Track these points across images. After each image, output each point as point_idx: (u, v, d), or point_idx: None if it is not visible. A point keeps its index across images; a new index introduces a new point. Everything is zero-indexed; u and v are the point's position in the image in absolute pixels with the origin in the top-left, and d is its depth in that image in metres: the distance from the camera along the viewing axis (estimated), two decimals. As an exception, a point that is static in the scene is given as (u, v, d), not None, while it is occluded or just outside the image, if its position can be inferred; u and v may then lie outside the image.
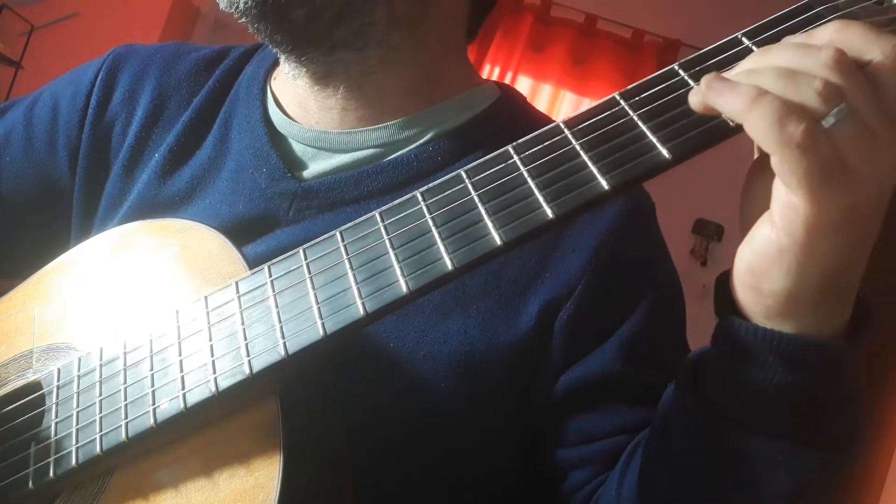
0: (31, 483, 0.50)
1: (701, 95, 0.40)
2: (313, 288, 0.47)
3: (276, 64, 0.71)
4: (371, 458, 0.53)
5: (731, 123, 0.40)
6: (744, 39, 0.43)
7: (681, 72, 0.43)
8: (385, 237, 0.46)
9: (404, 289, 0.44)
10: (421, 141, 0.64)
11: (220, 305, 0.49)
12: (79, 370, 0.52)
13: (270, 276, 0.49)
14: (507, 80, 3.35)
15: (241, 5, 0.58)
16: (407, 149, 0.64)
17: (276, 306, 0.47)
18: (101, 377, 0.51)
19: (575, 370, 0.59)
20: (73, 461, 0.49)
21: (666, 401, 0.51)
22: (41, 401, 0.53)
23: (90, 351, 0.53)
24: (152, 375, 0.49)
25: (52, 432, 0.51)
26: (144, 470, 0.49)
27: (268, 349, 0.46)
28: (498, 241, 0.43)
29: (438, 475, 0.60)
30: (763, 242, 0.40)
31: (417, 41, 0.64)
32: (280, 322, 0.47)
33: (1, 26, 3.11)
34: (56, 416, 0.51)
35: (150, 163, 0.69)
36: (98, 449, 0.49)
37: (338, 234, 0.48)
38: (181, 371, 0.48)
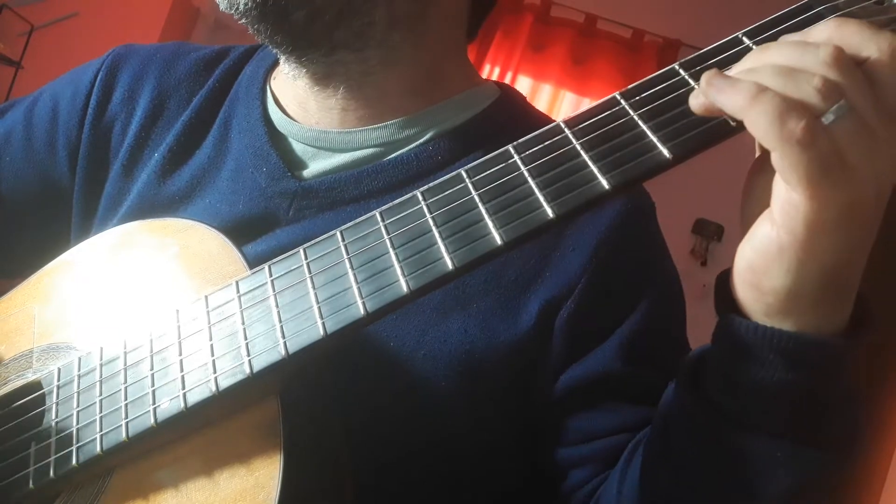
0: (31, 483, 0.50)
1: (701, 94, 0.40)
2: (313, 287, 0.47)
3: (275, 63, 0.71)
4: (371, 457, 0.53)
5: (731, 123, 0.41)
6: (744, 39, 0.44)
7: (681, 71, 0.44)
8: (385, 236, 0.46)
9: (405, 288, 0.44)
10: (421, 140, 0.64)
11: (220, 305, 0.49)
12: (79, 370, 0.52)
13: (271, 275, 0.49)
14: (507, 80, 3.35)
15: (241, 6, 0.58)
16: (407, 148, 0.64)
17: (277, 306, 0.47)
18: (101, 377, 0.51)
19: (575, 369, 0.59)
20: (74, 461, 0.49)
21: (666, 400, 0.51)
22: (41, 400, 0.53)
23: (90, 350, 0.53)
24: (152, 375, 0.49)
25: (53, 432, 0.51)
26: (145, 469, 0.49)
27: (268, 349, 0.46)
28: (498, 240, 0.43)
29: (438, 474, 0.60)
30: (763, 240, 0.40)
31: (417, 41, 0.64)
32: (280, 321, 0.47)
33: (1, 26, 3.11)
34: (56, 416, 0.51)
35: (150, 162, 0.69)
36: (98, 448, 0.49)
37: (338, 234, 0.48)
38: (181, 370, 0.48)
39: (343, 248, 0.47)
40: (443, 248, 0.44)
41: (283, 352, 0.46)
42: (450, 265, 0.43)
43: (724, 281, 0.45)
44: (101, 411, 0.50)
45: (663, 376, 0.53)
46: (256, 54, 0.74)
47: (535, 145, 0.45)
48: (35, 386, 0.54)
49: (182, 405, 0.47)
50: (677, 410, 0.49)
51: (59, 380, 0.53)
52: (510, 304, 0.59)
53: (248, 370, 0.46)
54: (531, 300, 0.59)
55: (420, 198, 0.46)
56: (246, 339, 0.47)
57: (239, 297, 0.49)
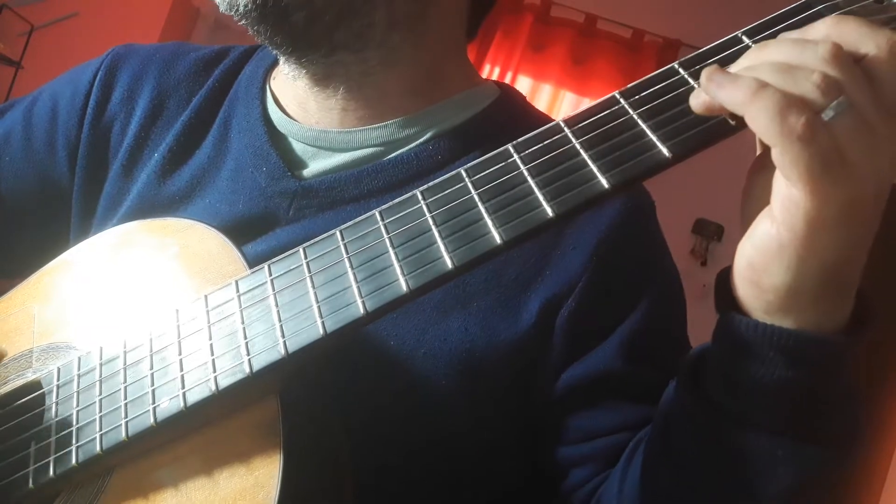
0: (31, 482, 0.50)
1: (702, 91, 0.40)
2: (313, 287, 0.47)
3: (275, 63, 0.71)
4: (371, 456, 0.53)
5: (730, 122, 0.41)
6: (744, 38, 0.44)
7: (681, 70, 0.44)
8: (385, 236, 0.46)
9: (404, 287, 0.44)
10: (421, 140, 0.64)
11: (219, 304, 0.49)
12: (79, 369, 0.52)
13: (270, 275, 0.49)
14: (507, 80, 3.35)
15: (241, 8, 0.58)
16: (407, 148, 0.64)
17: (276, 305, 0.47)
18: (100, 376, 0.51)
19: (576, 368, 0.59)
20: (73, 460, 0.49)
21: (667, 399, 0.51)
22: (41, 400, 0.53)
23: (90, 350, 0.53)
24: (152, 374, 0.49)
25: (52, 431, 0.51)
26: (144, 469, 0.49)
27: (268, 348, 0.46)
28: (498, 239, 0.43)
29: (439, 474, 0.60)
30: (763, 237, 0.40)
31: (417, 41, 0.64)
32: (280, 321, 0.47)
33: (1, 26, 3.11)
34: (56, 416, 0.51)
35: (150, 162, 0.69)
36: (98, 448, 0.49)
37: (337, 233, 0.48)
38: (181, 370, 0.48)
39: (342, 248, 0.47)
40: (442, 248, 0.44)
41: (282, 351, 0.46)
42: (449, 264, 0.43)
43: (724, 279, 0.45)
44: (100, 411, 0.50)
45: (664, 375, 0.53)
46: (256, 54, 0.74)
47: (535, 144, 0.45)
48: (35, 385, 0.54)
49: (182, 404, 0.47)
50: (677, 409, 0.49)
51: (58, 379, 0.53)
52: (511, 302, 0.59)
53: (247, 369, 0.46)
54: (532, 299, 0.59)
55: (420, 197, 0.46)
56: (245, 338, 0.47)
57: (238, 296, 0.49)
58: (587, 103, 0.50)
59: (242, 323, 0.48)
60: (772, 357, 0.42)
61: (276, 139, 0.66)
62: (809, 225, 0.38)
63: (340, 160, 0.64)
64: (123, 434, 0.48)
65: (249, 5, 0.57)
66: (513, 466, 0.64)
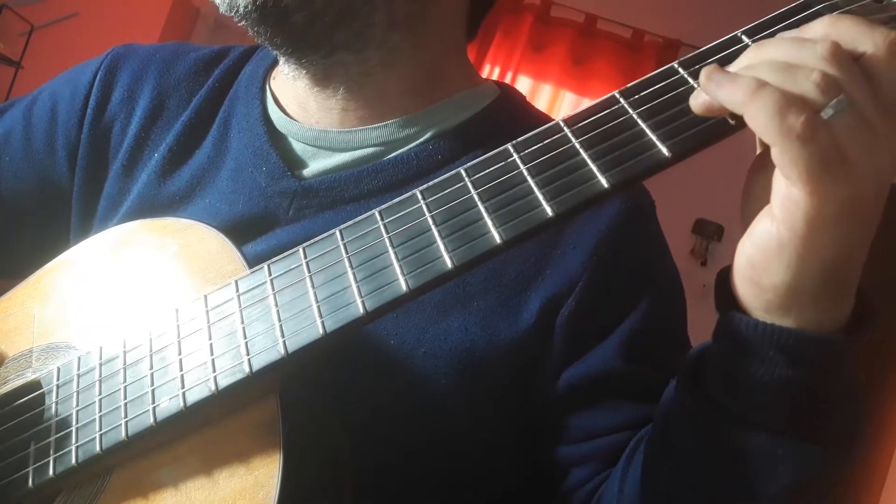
0: (30, 482, 0.50)
1: (701, 90, 0.40)
2: (313, 286, 0.47)
3: (275, 63, 0.71)
4: (371, 456, 0.53)
5: (730, 121, 0.41)
6: (743, 37, 0.44)
7: (680, 70, 0.44)
8: (385, 235, 0.46)
9: (404, 287, 0.44)
10: (421, 139, 0.64)
11: (219, 304, 0.49)
12: (78, 369, 0.52)
13: (270, 274, 0.49)
14: (507, 80, 3.35)
15: (241, 9, 0.58)
16: (407, 147, 0.64)
17: (276, 305, 0.47)
18: (100, 376, 0.51)
19: (576, 367, 0.59)
20: (73, 460, 0.49)
21: (667, 398, 0.51)
22: (41, 400, 0.53)
23: (90, 350, 0.53)
24: (152, 374, 0.49)
25: (52, 431, 0.51)
26: (144, 469, 0.49)
27: (267, 348, 0.46)
28: (497, 239, 0.43)
29: (439, 473, 0.60)
30: (763, 236, 0.40)
31: (417, 41, 0.64)
32: (280, 321, 0.47)
33: (1, 26, 3.11)
34: (56, 415, 0.51)
35: (150, 162, 0.69)
36: (98, 448, 0.49)
37: (337, 233, 0.48)
38: (181, 370, 0.48)
39: (342, 247, 0.47)
40: (442, 247, 0.44)
41: (282, 351, 0.46)
42: (449, 264, 0.43)
43: (725, 278, 0.45)
44: (100, 410, 0.50)
45: (664, 374, 0.53)
46: (256, 54, 0.74)
47: (534, 144, 0.45)
48: (34, 385, 0.54)
49: (181, 404, 0.47)
50: (678, 409, 0.49)
51: (58, 379, 0.53)
52: (511, 302, 0.59)
53: (247, 369, 0.46)
54: (532, 298, 0.59)
55: (419, 197, 0.46)
56: (245, 338, 0.47)
57: (238, 296, 0.49)
58: (587, 103, 0.50)
59: (242, 323, 0.48)
60: (772, 356, 0.42)
61: (276, 139, 0.66)
62: (809, 224, 0.38)
63: (340, 160, 0.64)
64: (123, 434, 0.48)
65: (249, 6, 0.57)
66: (513, 466, 0.64)
